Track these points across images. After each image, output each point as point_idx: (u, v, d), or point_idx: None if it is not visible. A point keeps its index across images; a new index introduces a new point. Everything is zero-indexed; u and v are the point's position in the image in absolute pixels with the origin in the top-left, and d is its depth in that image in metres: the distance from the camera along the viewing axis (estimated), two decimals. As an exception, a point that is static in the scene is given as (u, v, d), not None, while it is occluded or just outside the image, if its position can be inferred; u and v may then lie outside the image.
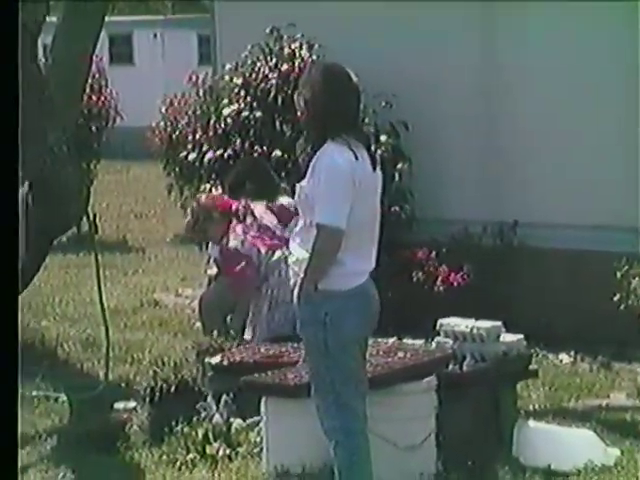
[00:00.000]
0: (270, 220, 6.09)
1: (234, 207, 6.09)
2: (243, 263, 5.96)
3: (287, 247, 5.90)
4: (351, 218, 4.01)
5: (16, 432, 2.92)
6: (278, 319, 5.87)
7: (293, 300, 4.08)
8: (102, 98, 11.50)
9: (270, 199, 6.29)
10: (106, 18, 6.91)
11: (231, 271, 6.01)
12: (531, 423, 5.06)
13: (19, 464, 2.81)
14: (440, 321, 5.36)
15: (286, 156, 6.88)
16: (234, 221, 6.08)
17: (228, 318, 6.25)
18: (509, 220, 7.03)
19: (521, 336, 5.30)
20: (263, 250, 5.95)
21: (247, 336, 5.97)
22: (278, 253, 5.94)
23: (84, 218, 6.87)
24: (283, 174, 6.74)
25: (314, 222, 4.01)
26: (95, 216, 8.81)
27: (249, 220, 6.06)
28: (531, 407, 5.61)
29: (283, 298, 5.80)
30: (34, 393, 5.89)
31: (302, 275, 4.02)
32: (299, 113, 4.15)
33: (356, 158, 4.04)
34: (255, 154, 7.10)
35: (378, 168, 4.17)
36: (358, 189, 4.04)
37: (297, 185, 4.14)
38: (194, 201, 6.24)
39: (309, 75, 4.17)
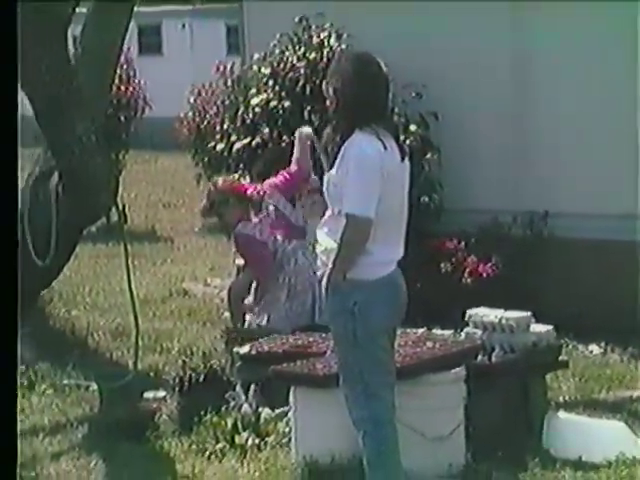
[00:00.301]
0: (285, 206, 6.06)
1: (250, 192, 6.05)
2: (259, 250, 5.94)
3: (303, 236, 5.91)
4: (379, 208, 4.01)
5: (15, 431, 2.93)
6: (296, 309, 5.85)
7: (311, 289, 4.09)
8: (131, 88, 11.53)
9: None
10: (135, 8, 6.93)
11: (251, 257, 5.99)
12: (561, 414, 5.04)
13: (19, 461, 2.82)
14: (469, 312, 5.34)
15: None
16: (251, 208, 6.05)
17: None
18: (539, 210, 6.99)
19: (551, 327, 5.27)
20: (280, 238, 5.94)
21: (260, 322, 5.93)
22: (294, 242, 5.93)
23: (113, 208, 6.89)
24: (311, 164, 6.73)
25: (343, 212, 4.00)
26: (124, 206, 8.85)
27: (265, 208, 6.03)
28: (561, 398, 5.58)
29: (301, 287, 5.80)
30: (65, 382, 5.94)
31: (330, 265, 4.01)
32: (328, 102, 4.14)
33: (385, 148, 4.03)
34: (283, 144, 7.09)
35: (406, 158, 4.15)
36: (386, 179, 4.03)
37: (325, 175, 4.14)
38: (210, 184, 6.21)
39: (339, 64, 4.16)
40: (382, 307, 4.05)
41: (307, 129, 6.13)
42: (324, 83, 4.20)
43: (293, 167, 6.07)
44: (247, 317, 6.04)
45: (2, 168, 3.02)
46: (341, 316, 4.03)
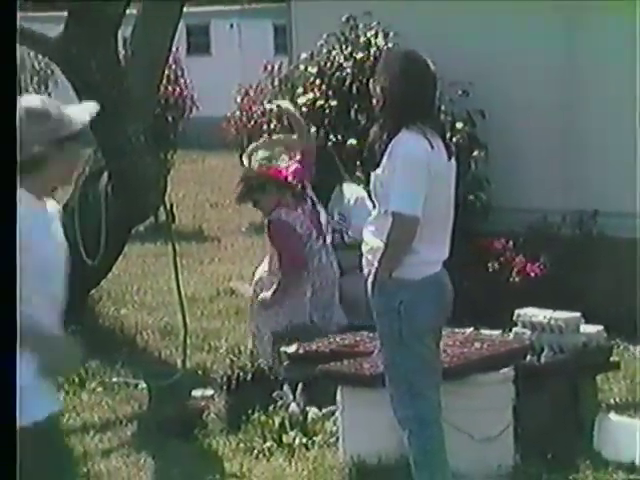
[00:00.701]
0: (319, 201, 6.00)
1: (289, 178, 5.93)
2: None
3: (325, 236, 5.85)
4: (426, 207, 3.99)
5: (15, 432, 2.96)
6: (318, 308, 5.78)
7: (332, 288, 4.07)
8: (179, 88, 11.60)
9: (334, 188, 6.25)
10: (184, 9, 6.98)
11: (285, 247, 5.82)
12: (613, 416, 4.98)
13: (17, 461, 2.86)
14: (518, 312, 5.30)
15: (361, 144, 6.87)
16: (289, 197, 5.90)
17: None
18: (588, 209, 6.93)
19: (601, 327, 5.22)
20: (315, 235, 5.85)
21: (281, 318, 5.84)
22: (321, 240, 5.85)
23: (161, 208, 6.94)
24: (358, 162, 6.73)
25: (389, 210, 4.00)
26: (172, 206, 8.92)
27: (305, 199, 5.93)
28: (612, 400, 5.52)
29: (324, 285, 5.77)
30: (114, 380, 5.99)
31: (376, 264, 4.01)
32: (375, 101, 4.14)
33: (432, 147, 4.02)
34: (330, 143, 7.10)
35: (453, 158, 4.14)
36: (433, 178, 4.02)
37: (372, 174, 4.13)
38: (246, 170, 6.08)
39: (387, 62, 4.15)
40: (428, 306, 4.05)
41: (284, 102, 6.18)
42: (371, 82, 4.20)
43: (298, 146, 5.97)
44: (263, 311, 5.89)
45: (2, 168, 3.04)
46: (387, 315, 4.03)
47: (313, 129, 7.20)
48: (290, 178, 5.83)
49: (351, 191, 6.31)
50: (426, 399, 4.06)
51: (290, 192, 5.82)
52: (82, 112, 3.24)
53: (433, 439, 4.08)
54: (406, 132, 4.02)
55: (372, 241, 4.07)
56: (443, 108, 6.93)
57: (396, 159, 3.99)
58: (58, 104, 3.23)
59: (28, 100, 3.18)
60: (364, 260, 4.14)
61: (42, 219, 3.17)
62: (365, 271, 4.11)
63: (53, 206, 3.28)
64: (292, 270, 5.70)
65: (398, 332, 4.00)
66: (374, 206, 4.22)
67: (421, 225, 3.99)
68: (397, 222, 3.97)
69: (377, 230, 4.06)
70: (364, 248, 4.14)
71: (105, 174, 6.69)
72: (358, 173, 6.45)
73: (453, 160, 4.14)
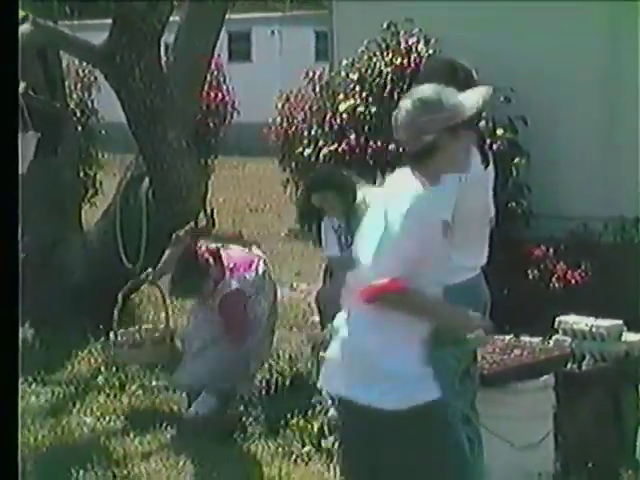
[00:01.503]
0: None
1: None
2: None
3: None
4: (456, 213, 3.98)
5: (17, 432, 2.99)
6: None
7: None
8: (220, 94, 11.67)
9: (346, 207, 6.20)
10: (226, 16, 7.02)
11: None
12: (654, 426, 4.93)
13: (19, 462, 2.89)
14: (559, 319, 5.27)
15: (401, 150, 6.86)
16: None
17: None
18: (630, 216, 6.87)
19: (643, 335, 5.18)
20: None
21: None
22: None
23: (202, 213, 6.98)
24: (398, 169, 6.72)
25: None
26: (212, 211, 8.94)
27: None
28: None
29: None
30: (154, 383, 6.02)
31: None
32: None
33: None
34: (370, 149, 7.10)
35: (491, 165, 4.11)
36: (464, 184, 4.00)
37: None
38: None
39: (428, 70, 4.14)
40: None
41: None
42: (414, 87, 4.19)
43: None
44: None
45: (2, 168, 3.07)
46: None
47: (353, 136, 7.22)
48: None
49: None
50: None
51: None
52: (475, 97, 3.29)
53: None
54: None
55: None
56: (484, 114, 6.92)
57: None
58: (452, 91, 3.32)
59: (422, 90, 3.29)
60: None
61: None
62: None
63: None
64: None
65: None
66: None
67: (452, 231, 3.98)
68: None
69: None
70: None
71: (146, 179, 6.74)
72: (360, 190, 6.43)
73: (491, 167, 4.11)
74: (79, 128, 9.73)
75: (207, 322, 5.59)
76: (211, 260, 5.59)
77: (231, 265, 5.64)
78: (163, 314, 6.20)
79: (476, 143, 4.06)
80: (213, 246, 5.77)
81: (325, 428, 5.13)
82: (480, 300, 4.11)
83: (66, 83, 8.02)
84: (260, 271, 5.77)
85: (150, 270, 6.04)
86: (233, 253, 5.76)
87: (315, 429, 5.14)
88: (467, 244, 4.05)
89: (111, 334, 5.88)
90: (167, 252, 6.01)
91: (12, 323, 3.06)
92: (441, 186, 3.66)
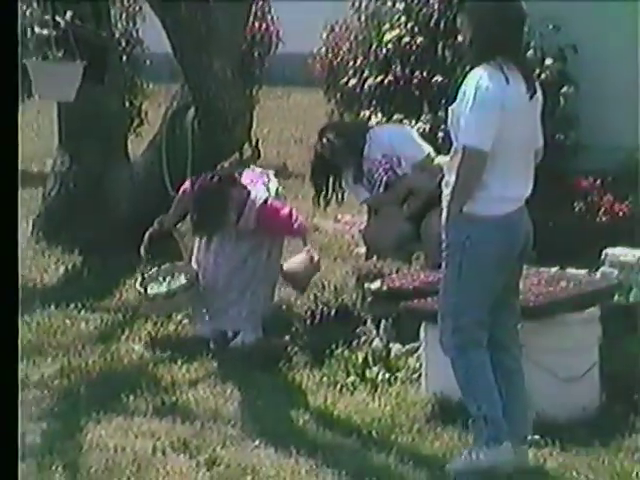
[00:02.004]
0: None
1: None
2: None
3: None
4: (499, 142, 3.95)
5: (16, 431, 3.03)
6: None
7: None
8: (265, 24, 11.57)
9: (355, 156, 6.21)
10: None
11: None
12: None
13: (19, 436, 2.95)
14: (605, 251, 5.25)
15: (447, 81, 6.81)
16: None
17: None
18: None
19: (691, 268, 5.14)
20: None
21: None
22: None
23: (247, 143, 6.98)
24: (443, 100, 6.66)
25: (459, 144, 3.99)
26: (257, 141, 8.93)
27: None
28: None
29: None
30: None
31: (449, 198, 4.02)
32: (461, 37, 4.09)
33: (507, 81, 3.96)
34: (415, 80, 7.04)
35: (538, 94, 4.07)
36: (508, 113, 3.97)
37: (449, 109, 4.10)
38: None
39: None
40: (493, 247, 4.03)
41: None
42: (458, 17, 4.15)
43: None
44: None
45: (2, 164, 3.09)
46: (452, 248, 4.06)
47: (399, 66, 7.16)
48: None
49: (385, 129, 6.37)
50: (466, 333, 4.10)
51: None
52: None
53: (472, 365, 4.12)
54: (481, 67, 4.00)
55: (449, 175, 4.07)
56: (533, 44, 6.81)
57: (468, 94, 3.97)
58: None
59: None
60: (443, 197, 4.14)
61: None
62: (443, 204, 4.13)
63: None
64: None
65: (458, 266, 4.03)
66: (450, 143, 4.18)
67: (493, 160, 3.96)
68: (464, 156, 3.96)
69: (453, 166, 4.04)
70: (443, 184, 4.14)
71: (192, 109, 6.74)
72: (441, 111, 6.40)
73: (538, 96, 4.08)
74: (124, 58, 9.72)
75: (239, 252, 5.59)
76: (230, 188, 5.55)
77: (248, 181, 5.67)
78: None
79: (521, 72, 4.02)
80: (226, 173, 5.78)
81: (369, 358, 5.17)
82: (516, 234, 4.09)
83: (111, 12, 7.99)
84: (276, 182, 5.80)
85: (161, 217, 5.86)
86: (246, 173, 5.78)
87: (360, 359, 5.18)
88: (509, 175, 4.03)
89: (138, 278, 5.79)
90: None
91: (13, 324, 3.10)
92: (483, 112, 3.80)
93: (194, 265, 5.75)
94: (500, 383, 4.14)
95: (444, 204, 4.10)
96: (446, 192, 4.08)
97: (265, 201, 5.65)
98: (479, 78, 3.98)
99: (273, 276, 5.75)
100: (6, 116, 3.17)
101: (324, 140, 6.33)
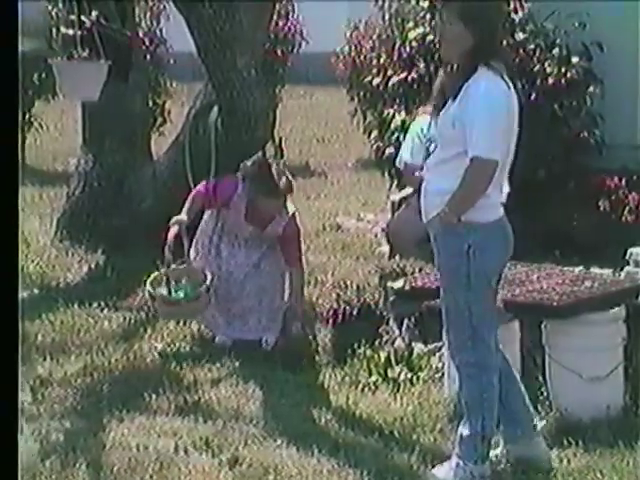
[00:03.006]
0: None
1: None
2: None
3: None
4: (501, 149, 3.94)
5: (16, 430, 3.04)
6: None
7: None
8: (288, 23, 11.57)
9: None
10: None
11: None
12: None
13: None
14: (630, 250, 5.21)
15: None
16: None
17: None
18: None
19: None
20: None
21: None
22: None
23: (270, 142, 6.96)
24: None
25: (469, 153, 3.89)
26: (281, 140, 8.92)
27: None
28: None
29: None
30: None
31: (446, 207, 3.93)
32: (444, 36, 3.99)
33: (508, 87, 3.95)
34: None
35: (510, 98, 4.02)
36: (510, 119, 3.96)
37: (441, 114, 3.99)
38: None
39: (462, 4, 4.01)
40: (495, 250, 4.02)
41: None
42: (439, 24, 4.06)
43: None
44: None
45: (2, 163, 3.10)
46: (455, 258, 3.98)
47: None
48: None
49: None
50: (487, 344, 4.04)
51: None
52: None
53: (491, 385, 4.07)
54: (484, 71, 3.92)
55: (442, 183, 3.97)
56: (558, 41, 6.77)
57: (478, 99, 3.89)
58: None
59: None
60: (427, 202, 4.05)
61: None
62: (430, 213, 4.02)
63: None
64: None
65: (466, 276, 3.96)
66: (433, 149, 4.10)
67: None
68: (477, 166, 3.89)
69: (448, 173, 3.96)
70: (429, 189, 4.04)
71: (215, 108, 6.74)
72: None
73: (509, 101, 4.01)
74: (148, 57, 9.74)
75: (250, 258, 5.54)
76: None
77: None
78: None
79: (507, 74, 3.97)
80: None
81: (392, 358, 5.16)
82: (509, 237, 4.10)
83: (136, 11, 8.02)
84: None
85: (176, 218, 5.65)
86: None
87: (382, 359, 5.17)
88: (501, 179, 4.03)
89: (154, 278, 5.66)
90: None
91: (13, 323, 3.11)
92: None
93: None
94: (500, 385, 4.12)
95: (433, 212, 3.99)
96: (438, 200, 3.98)
97: (293, 214, 5.60)
98: (486, 85, 3.91)
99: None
100: (6, 116, 3.19)
101: None
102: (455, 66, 3.99)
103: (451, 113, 3.94)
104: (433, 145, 4.15)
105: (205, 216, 5.77)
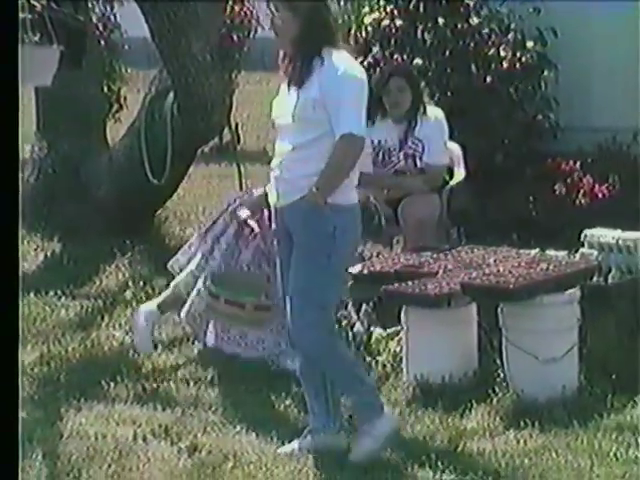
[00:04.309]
0: None
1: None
2: None
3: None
4: None
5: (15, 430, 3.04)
6: None
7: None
8: (244, 8, 11.51)
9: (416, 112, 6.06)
10: None
11: None
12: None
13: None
14: (585, 232, 5.26)
15: (427, 64, 6.78)
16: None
17: None
18: (660, 128, 6.77)
19: (671, 248, 5.15)
20: None
21: None
22: None
23: (226, 128, 6.95)
24: (423, 82, 6.64)
25: (337, 132, 3.88)
26: (237, 126, 8.89)
27: None
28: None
29: None
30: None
31: (315, 187, 3.90)
32: (276, 26, 4.01)
33: None
34: (395, 62, 7.01)
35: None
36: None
37: (292, 100, 3.96)
38: None
39: None
40: (355, 232, 4.08)
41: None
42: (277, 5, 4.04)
43: None
44: None
45: (2, 162, 3.08)
46: (319, 240, 3.96)
47: (378, 49, 7.13)
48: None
49: (433, 114, 6.15)
50: (331, 326, 4.10)
51: None
52: None
53: (344, 356, 4.14)
54: (336, 51, 3.96)
55: (306, 167, 3.94)
56: (513, 26, 6.80)
57: (338, 79, 3.90)
58: None
59: None
60: (288, 187, 3.99)
61: None
62: (291, 197, 3.98)
63: None
64: None
65: (327, 257, 3.97)
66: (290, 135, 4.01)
67: None
68: (347, 143, 3.89)
69: (312, 156, 3.93)
70: (291, 174, 3.99)
71: (171, 94, 6.70)
72: (425, 94, 6.35)
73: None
74: (102, 42, 9.65)
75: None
76: None
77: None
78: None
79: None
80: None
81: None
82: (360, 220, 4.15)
83: (89, -6, 7.93)
84: None
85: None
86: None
87: (341, 343, 5.17)
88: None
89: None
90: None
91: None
92: None
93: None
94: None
95: (296, 195, 3.94)
96: (302, 183, 3.93)
97: None
98: (346, 64, 3.94)
99: None
100: (6, 116, 3.16)
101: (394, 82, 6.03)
102: (291, 54, 3.99)
103: (310, 97, 3.92)
104: (284, 131, 4.03)
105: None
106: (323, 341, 4.06)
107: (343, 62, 3.97)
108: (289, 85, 4.02)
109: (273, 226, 4.22)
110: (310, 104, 3.94)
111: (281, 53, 4.10)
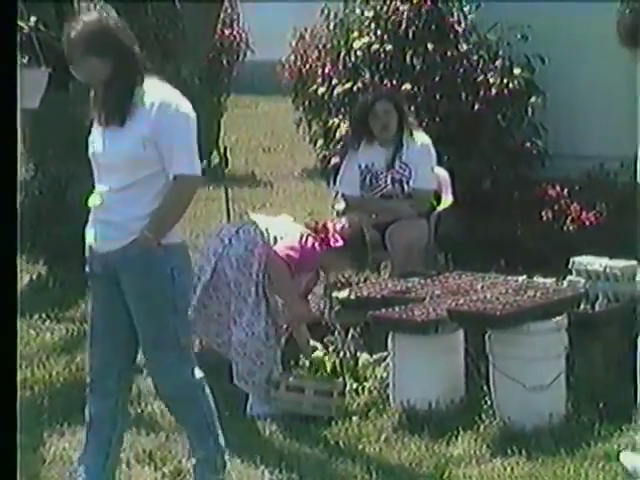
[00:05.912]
0: None
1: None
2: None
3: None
4: None
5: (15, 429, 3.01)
6: None
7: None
8: (234, 31, 11.55)
9: (402, 136, 6.07)
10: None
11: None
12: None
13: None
14: (572, 259, 5.25)
15: (416, 89, 6.80)
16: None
17: None
18: (647, 157, 6.79)
19: (657, 276, 5.15)
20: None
21: None
22: None
23: (215, 152, 6.93)
24: (412, 108, 6.66)
25: (169, 171, 3.74)
26: (225, 150, 8.88)
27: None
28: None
29: None
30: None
31: (146, 230, 3.76)
32: (82, 68, 3.89)
33: None
34: (384, 87, 7.03)
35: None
36: None
37: (124, 136, 3.78)
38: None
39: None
40: (190, 268, 3.98)
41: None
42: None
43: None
44: None
45: (2, 167, 3.07)
46: (159, 283, 3.82)
47: (367, 74, 7.15)
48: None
49: (419, 139, 6.16)
50: (193, 363, 3.95)
51: None
52: None
53: (208, 399, 3.99)
54: (153, 81, 3.83)
55: (134, 210, 3.79)
56: (501, 53, 6.83)
57: (170, 116, 3.76)
58: None
59: None
60: (114, 231, 3.83)
61: None
62: (120, 242, 3.82)
63: None
64: None
65: (171, 300, 3.84)
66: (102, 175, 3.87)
67: None
68: (182, 183, 3.75)
69: (140, 197, 3.78)
70: (117, 217, 3.81)
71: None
72: (411, 118, 6.37)
73: None
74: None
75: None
76: None
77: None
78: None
79: None
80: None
81: (337, 368, 5.14)
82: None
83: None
84: None
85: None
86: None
87: (327, 369, 5.15)
88: None
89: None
90: None
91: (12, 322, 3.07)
92: None
93: None
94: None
95: (126, 239, 3.78)
96: (133, 226, 3.76)
97: None
98: (179, 97, 3.83)
99: None
100: (6, 116, 3.14)
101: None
102: (104, 94, 3.85)
103: (139, 135, 3.74)
104: (106, 170, 3.86)
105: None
106: (189, 382, 3.92)
107: (171, 97, 3.80)
108: (107, 123, 3.83)
109: (86, 270, 4.00)
110: (140, 142, 3.76)
111: (92, 92, 3.93)
